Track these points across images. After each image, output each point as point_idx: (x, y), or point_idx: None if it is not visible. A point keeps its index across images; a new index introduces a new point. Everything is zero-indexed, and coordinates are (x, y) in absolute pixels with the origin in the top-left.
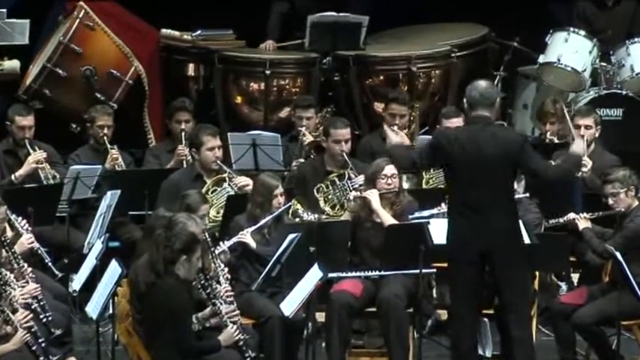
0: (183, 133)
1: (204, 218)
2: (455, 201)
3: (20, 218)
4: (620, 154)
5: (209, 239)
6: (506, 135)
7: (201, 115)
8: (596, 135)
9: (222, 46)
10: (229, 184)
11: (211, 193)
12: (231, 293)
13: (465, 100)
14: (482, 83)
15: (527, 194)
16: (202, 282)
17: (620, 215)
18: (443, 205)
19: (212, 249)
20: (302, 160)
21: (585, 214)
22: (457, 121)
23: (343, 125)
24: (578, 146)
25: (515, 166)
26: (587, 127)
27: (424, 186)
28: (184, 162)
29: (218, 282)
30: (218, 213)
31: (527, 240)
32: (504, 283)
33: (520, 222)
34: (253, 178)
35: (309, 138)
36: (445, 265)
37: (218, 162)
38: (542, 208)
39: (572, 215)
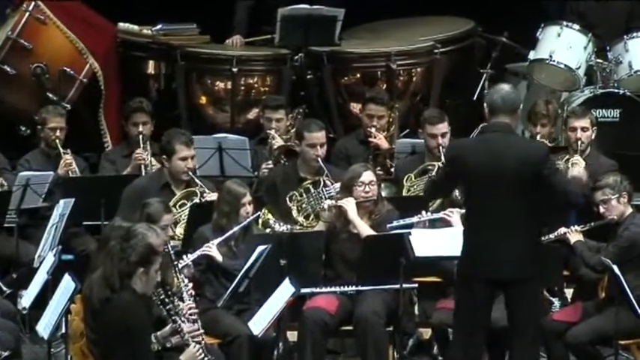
0: (141, 137)
1: (167, 229)
2: (471, 216)
3: None
4: (617, 158)
5: (172, 252)
6: (529, 144)
7: (162, 117)
8: (592, 137)
9: (184, 42)
10: (199, 199)
11: (179, 207)
12: (195, 310)
13: (485, 105)
14: (504, 87)
15: None
16: (162, 297)
17: (613, 224)
18: (424, 212)
19: (175, 262)
20: (271, 166)
21: (576, 227)
22: (443, 127)
23: (318, 128)
24: (577, 171)
25: (538, 180)
26: (582, 129)
27: (404, 194)
28: (142, 167)
29: (181, 298)
30: (185, 231)
31: None
32: (516, 307)
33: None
34: (219, 185)
35: (278, 142)
36: (427, 279)
37: (189, 173)
38: None
39: (562, 230)
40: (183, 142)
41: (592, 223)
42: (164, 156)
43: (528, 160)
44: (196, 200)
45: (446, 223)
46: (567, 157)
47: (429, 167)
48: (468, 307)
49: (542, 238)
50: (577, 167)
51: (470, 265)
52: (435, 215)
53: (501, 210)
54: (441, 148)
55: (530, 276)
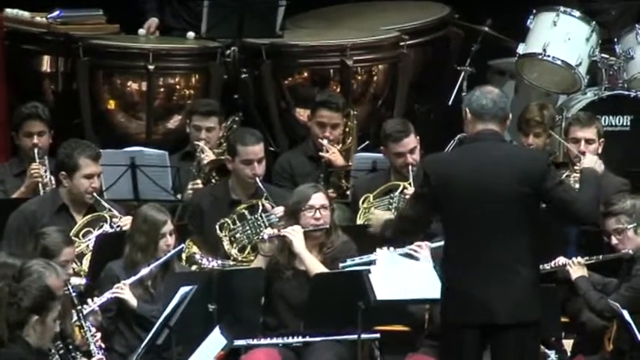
0: (36, 150)
1: (68, 266)
2: (453, 248)
3: None
4: (628, 175)
5: (74, 294)
6: (527, 154)
7: (60, 126)
8: (599, 151)
9: (88, 32)
10: (111, 226)
11: (83, 236)
12: None
13: (467, 110)
14: (494, 90)
15: None
16: (61, 352)
17: (626, 260)
18: (385, 247)
19: (79, 307)
20: (200, 186)
21: (580, 259)
22: (410, 142)
23: (254, 140)
24: (589, 160)
25: (539, 198)
26: (587, 141)
27: (361, 220)
28: (40, 187)
29: (87, 354)
30: (90, 267)
31: None
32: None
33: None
34: (132, 210)
35: (209, 156)
36: (392, 328)
37: (95, 194)
38: None
39: (561, 260)
40: (89, 155)
41: (600, 257)
42: (63, 172)
43: (528, 174)
44: (106, 227)
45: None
46: (567, 173)
47: (394, 187)
48: (454, 357)
49: None
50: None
51: (459, 309)
52: (400, 251)
53: (497, 238)
54: (410, 167)
55: (533, 319)
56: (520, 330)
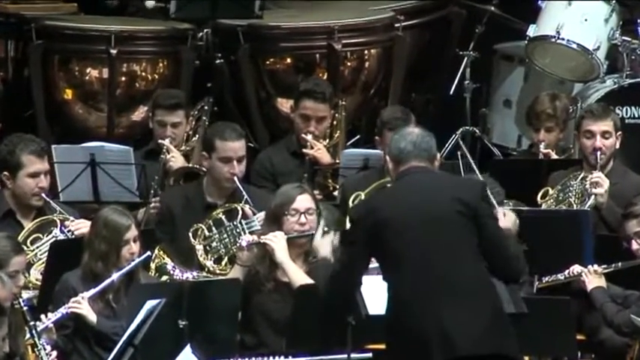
0: None
1: (18, 276)
2: (398, 288)
3: None
4: None
5: (25, 308)
6: (461, 179)
7: (9, 119)
8: (617, 146)
9: (42, 12)
10: (62, 231)
11: (31, 243)
12: None
13: (387, 158)
14: (414, 131)
15: None
16: None
17: None
18: None
19: (32, 324)
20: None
21: (596, 267)
22: None
23: (235, 135)
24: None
25: (475, 223)
26: (603, 134)
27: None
28: None
29: None
30: (43, 278)
31: (509, 308)
32: None
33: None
34: (92, 214)
35: (175, 157)
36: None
37: (43, 195)
38: (532, 259)
39: (576, 269)
40: (33, 151)
41: (619, 264)
42: (5, 172)
43: (464, 195)
44: (56, 232)
45: None
46: (583, 174)
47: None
48: None
49: (546, 279)
50: (599, 190)
51: (409, 350)
52: None
53: (439, 270)
54: None
55: (499, 351)
56: None
